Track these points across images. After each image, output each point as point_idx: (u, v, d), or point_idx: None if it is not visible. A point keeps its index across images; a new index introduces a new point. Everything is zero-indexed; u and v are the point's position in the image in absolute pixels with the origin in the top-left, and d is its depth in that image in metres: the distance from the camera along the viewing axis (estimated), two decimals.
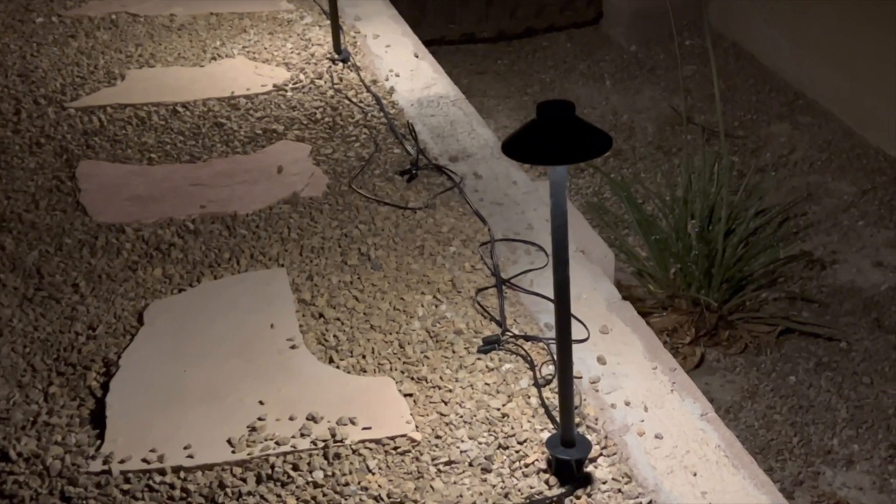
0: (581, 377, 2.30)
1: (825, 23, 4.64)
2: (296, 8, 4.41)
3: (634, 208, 3.60)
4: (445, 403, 2.21)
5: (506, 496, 1.99)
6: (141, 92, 3.62)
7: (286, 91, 3.64)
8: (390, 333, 2.45)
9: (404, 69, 3.89)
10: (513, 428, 2.14)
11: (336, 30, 3.88)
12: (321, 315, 2.51)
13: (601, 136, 1.79)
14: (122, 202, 2.99)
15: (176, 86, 3.66)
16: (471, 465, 2.06)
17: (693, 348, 3.29)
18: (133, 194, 3.03)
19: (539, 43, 5.77)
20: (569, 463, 2.00)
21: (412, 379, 2.29)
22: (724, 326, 3.36)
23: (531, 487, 2.00)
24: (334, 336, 2.44)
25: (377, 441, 2.11)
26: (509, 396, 2.23)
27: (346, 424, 2.15)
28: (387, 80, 3.80)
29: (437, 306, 2.54)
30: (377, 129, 3.40)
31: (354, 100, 3.59)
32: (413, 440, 2.11)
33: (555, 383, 2.24)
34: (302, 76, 3.74)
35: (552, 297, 1.92)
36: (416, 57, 4.01)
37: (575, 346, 2.42)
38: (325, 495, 1.99)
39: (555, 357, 2.23)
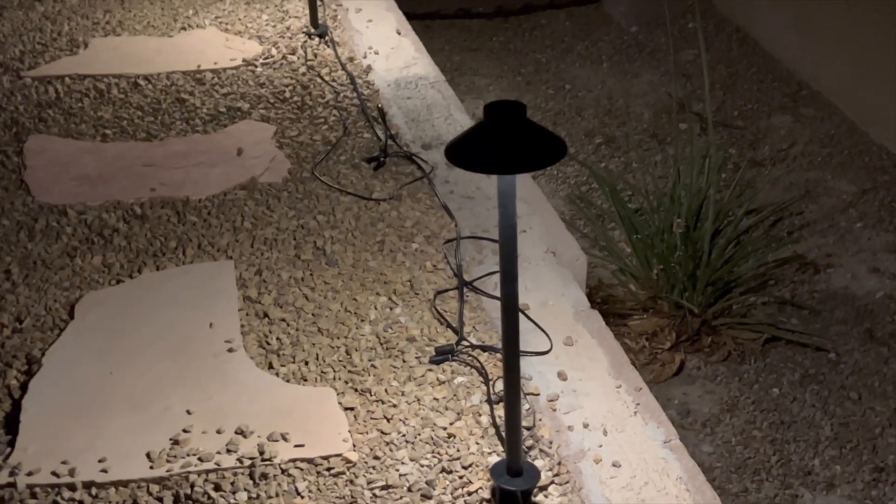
0: (539, 394, 2.12)
1: (832, 11, 4.43)
2: None
3: (619, 204, 3.42)
4: (388, 420, 2.04)
5: None
6: (103, 62, 3.43)
7: (256, 66, 3.45)
8: (338, 338, 2.27)
9: (384, 47, 3.69)
10: (458, 450, 1.97)
11: (314, 2, 3.68)
12: (266, 315, 2.34)
13: (554, 143, 1.60)
14: (69, 182, 2.81)
15: (140, 57, 3.48)
16: (409, 490, 1.89)
17: (672, 354, 3.11)
18: (81, 174, 2.85)
19: (537, 20, 5.55)
20: (514, 494, 1.83)
21: (355, 391, 2.11)
22: (707, 332, 3.18)
23: None
24: (277, 339, 2.26)
25: (309, 461, 1.94)
26: (458, 414, 2.06)
27: (277, 440, 1.98)
28: (365, 57, 3.60)
29: (391, 309, 2.36)
30: (348, 112, 3.21)
31: (327, 78, 3.40)
32: (348, 461, 1.94)
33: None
34: (274, 51, 3.55)
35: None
36: (399, 34, 3.81)
37: (535, 359, 2.26)
38: None
39: None
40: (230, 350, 2.22)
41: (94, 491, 1.88)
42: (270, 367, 2.18)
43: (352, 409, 2.07)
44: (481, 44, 5.33)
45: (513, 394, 1.76)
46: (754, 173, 4.02)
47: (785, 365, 3.14)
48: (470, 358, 2.21)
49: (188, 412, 2.04)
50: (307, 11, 3.83)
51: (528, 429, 2.00)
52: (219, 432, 1.99)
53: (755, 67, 4.81)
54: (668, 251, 3.19)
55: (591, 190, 4.07)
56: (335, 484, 1.90)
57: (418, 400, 2.09)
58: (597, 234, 3.68)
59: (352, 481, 1.90)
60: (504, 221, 1.66)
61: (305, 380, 2.15)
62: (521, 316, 2.37)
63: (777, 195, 3.88)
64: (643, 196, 3.82)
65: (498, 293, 2.44)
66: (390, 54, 3.65)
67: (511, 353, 1.74)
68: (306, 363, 2.19)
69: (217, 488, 1.88)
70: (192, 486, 1.88)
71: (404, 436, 2.00)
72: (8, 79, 3.31)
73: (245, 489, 1.88)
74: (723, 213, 3.29)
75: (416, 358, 2.21)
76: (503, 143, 1.58)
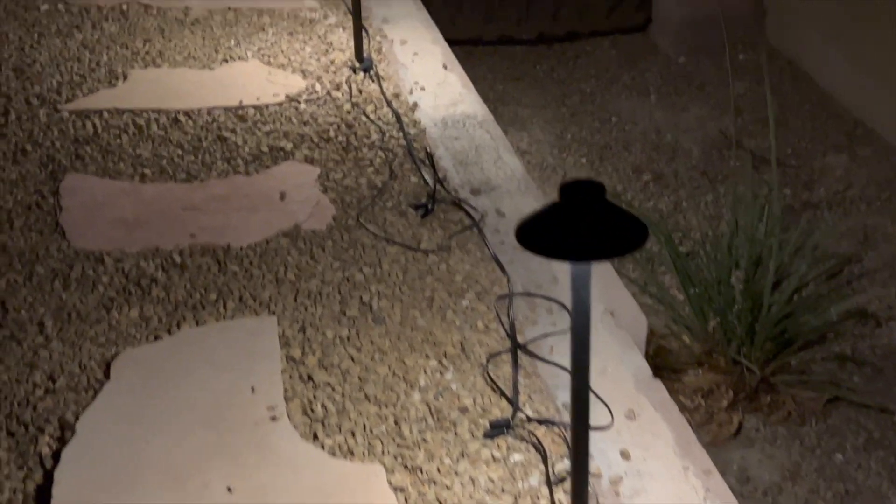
0: (601, 475, 1.99)
1: (888, 46, 4.27)
2: (320, 6, 4.10)
3: (672, 250, 3.28)
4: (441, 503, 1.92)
5: None
6: (142, 95, 3.33)
7: (300, 103, 3.34)
8: (386, 406, 2.15)
9: (431, 82, 3.57)
10: None
11: (359, 35, 3.57)
12: (310, 378, 2.22)
13: (636, 227, 1.47)
14: (106, 225, 2.71)
15: (181, 90, 3.38)
16: None
17: (730, 414, 2.97)
18: (119, 216, 2.75)
19: (582, 48, 5.42)
20: None
21: (406, 468, 1.99)
22: (766, 390, 3.04)
23: None
24: (322, 406, 2.14)
25: None
26: (515, 497, 1.93)
27: None
28: (411, 93, 3.49)
29: (441, 374, 2.24)
30: (394, 153, 3.10)
31: (373, 116, 3.29)
32: None
33: (569, 485, 1.94)
34: (318, 86, 3.44)
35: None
36: (445, 68, 3.70)
37: (596, 435, 2.13)
38: None
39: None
40: (273, 418, 2.10)
41: None
42: (315, 437, 2.06)
43: (402, 489, 1.94)
44: (524, 72, 5.21)
45: (581, 489, 1.63)
46: (810, 216, 3.87)
47: (848, 427, 3.00)
48: (526, 432, 2.08)
49: (229, 489, 1.93)
50: (352, 44, 3.73)
51: None
52: None
53: (808, 103, 4.66)
54: (725, 304, 3.05)
55: None
56: None
57: (473, 481, 1.96)
58: (647, 279, 3.55)
59: None
60: (578, 308, 1.54)
61: (352, 453, 2.03)
62: None
63: (834, 241, 3.73)
64: (696, 240, 3.69)
65: (554, 358, 2.32)
66: (437, 90, 3.53)
67: (580, 451, 1.61)
68: (353, 434, 2.07)
69: None
70: None
71: None
72: (45, 112, 3.21)
73: None
74: (784, 263, 3.15)
75: (470, 431, 2.09)
76: (580, 227, 1.45)
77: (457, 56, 4.06)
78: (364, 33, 3.63)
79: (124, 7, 3.97)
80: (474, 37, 5.40)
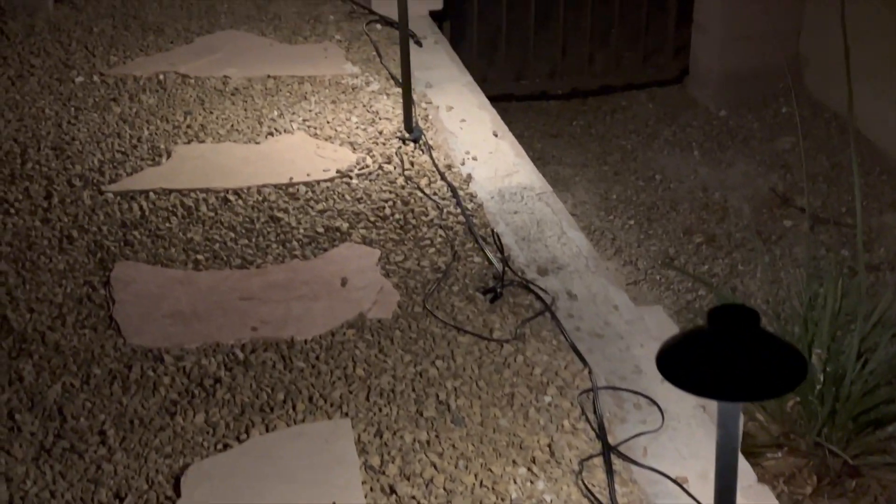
0: None
1: None
2: (361, 71, 4.00)
3: None
4: None
5: None
6: (189, 174, 3.22)
7: (351, 178, 3.22)
8: None
9: (482, 151, 3.46)
10: None
11: (409, 106, 3.46)
12: (393, 490, 2.08)
13: (793, 359, 1.34)
14: (162, 319, 2.58)
15: (228, 167, 3.26)
16: None
17: (815, 502, 2.82)
18: (175, 309, 2.62)
19: (617, 102, 5.32)
20: None
21: None
22: (850, 473, 2.89)
23: None
24: None
25: None
26: None
27: None
28: (463, 164, 3.37)
29: (532, 483, 2.10)
30: (454, 231, 2.98)
31: (428, 190, 3.17)
32: None
33: None
34: (369, 159, 3.32)
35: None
36: (496, 136, 3.58)
37: None
38: None
39: None
40: None
41: None
42: None
43: None
44: (561, 128, 5.10)
45: None
46: (873, 279, 3.74)
47: None
48: None
49: None
50: (398, 112, 3.62)
51: None
52: None
53: (859, 158, 4.53)
54: (805, 383, 2.90)
55: (698, 298, 3.80)
56: None
57: None
58: None
59: None
60: (724, 447, 1.40)
61: None
62: (679, 491, 2.10)
63: None
64: (759, 309, 3.55)
65: (650, 461, 2.18)
66: (489, 160, 3.41)
67: None
68: None
69: None
70: None
71: None
72: (89, 194, 3.10)
73: None
74: (865, 337, 3.01)
75: None
76: (733, 360, 1.32)
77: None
78: (412, 104, 3.52)
79: (161, 77, 3.87)
80: (507, 93, 5.28)
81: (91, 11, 4.47)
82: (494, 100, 5.22)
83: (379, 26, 4.47)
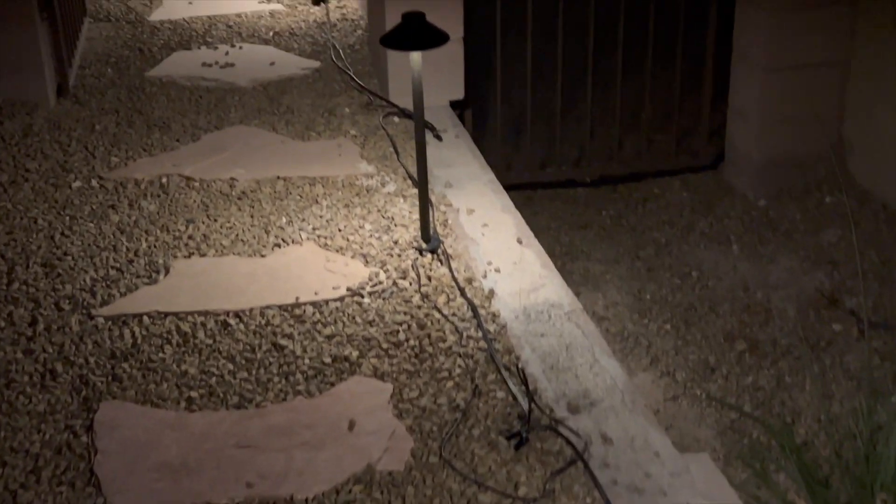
0: None
1: None
2: (376, 171, 3.76)
3: (800, 468, 2.83)
4: None
5: None
6: (187, 294, 2.97)
7: (363, 297, 2.96)
8: None
9: (505, 261, 3.19)
10: None
11: (426, 214, 3.21)
12: None
13: None
14: (148, 473, 2.31)
15: (230, 286, 3.01)
16: None
17: None
18: (163, 460, 2.35)
19: (649, 189, 5.05)
20: None
21: None
22: None
23: None
24: None
25: None
26: None
27: None
28: (485, 277, 3.10)
29: None
30: (475, 360, 2.70)
31: (446, 310, 2.90)
32: None
33: None
34: (382, 275, 3.06)
35: None
36: (520, 243, 3.32)
37: None
38: None
39: None
40: None
41: None
42: None
43: None
44: (590, 219, 4.83)
45: None
46: None
47: None
48: None
49: None
50: (414, 217, 3.37)
51: None
52: None
53: None
54: None
55: (743, 417, 3.49)
56: None
57: None
58: (759, 479, 3.09)
59: None
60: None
61: None
62: None
63: None
64: (810, 429, 3.25)
65: None
66: (513, 271, 3.15)
67: None
68: None
69: None
70: None
71: None
72: (78, 319, 2.85)
73: None
74: None
75: None
76: None
77: (515, 202, 3.74)
78: (429, 211, 3.26)
79: (164, 181, 3.64)
80: (532, 181, 5.04)
81: (95, 106, 4.27)
82: (519, 188, 5.02)
83: (396, 119, 4.24)
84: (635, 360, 3.79)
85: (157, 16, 5.48)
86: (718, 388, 3.63)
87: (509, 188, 4.01)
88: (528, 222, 3.63)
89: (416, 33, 2.91)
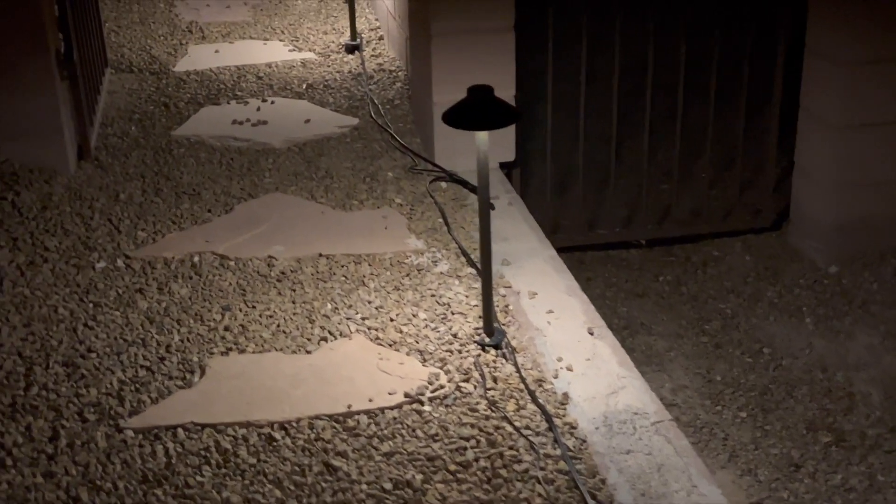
0: None
1: None
2: (426, 246, 3.44)
3: None
4: None
5: None
6: (225, 400, 2.64)
7: (422, 404, 2.63)
8: None
9: (577, 357, 2.87)
10: None
11: (489, 305, 2.88)
12: None
13: None
14: None
15: (273, 390, 2.68)
16: None
17: None
18: None
19: (708, 252, 4.72)
20: None
21: None
22: None
23: None
24: None
25: None
26: None
27: None
28: (556, 377, 2.77)
29: None
30: (556, 486, 2.36)
31: (517, 421, 2.57)
32: None
33: None
34: (443, 376, 2.74)
35: None
36: (591, 334, 2.99)
37: None
38: None
39: None
40: None
41: None
42: None
43: None
44: (646, 286, 4.50)
45: None
46: None
47: None
48: None
49: None
50: (472, 302, 3.06)
51: None
52: None
53: None
54: None
55: None
56: None
57: None
58: None
59: None
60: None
61: None
62: None
63: None
64: None
65: None
66: (587, 370, 2.82)
67: None
68: None
69: None
70: None
71: None
72: (104, 432, 2.53)
73: None
74: None
75: None
76: None
77: (566, 264, 3.43)
78: (492, 299, 2.94)
79: (196, 259, 3.33)
80: (580, 243, 4.71)
81: (119, 171, 3.97)
82: (568, 251, 4.69)
83: (444, 184, 3.93)
84: (712, 454, 3.45)
85: (182, 66, 5.18)
86: (806, 489, 3.29)
87: (558, 250, 3.72)
88: (580, 287, 3.34)
89: (484, 110, 2.59)
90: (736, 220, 4.80)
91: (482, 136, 2.63)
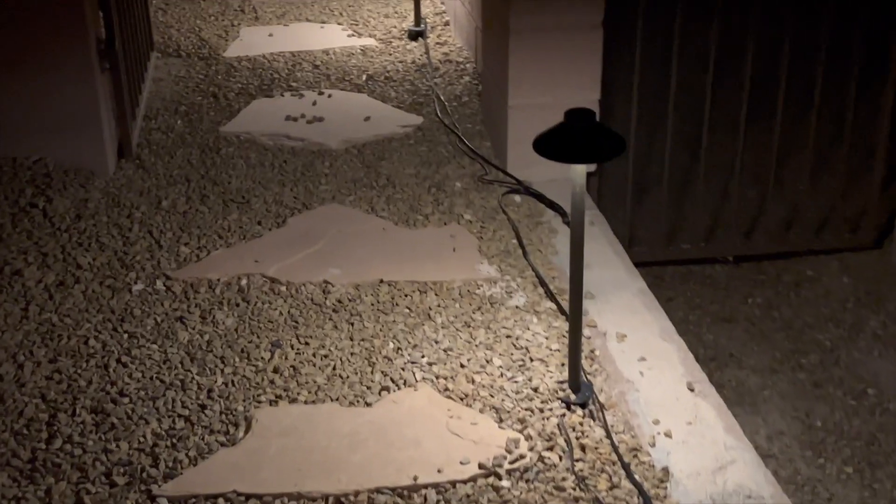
0: None
1: None
2: (499, 273, 3.06)
3: None
4: None
5: None
6: (274, 464, 2.29)
7: (500, 478, 2.26)
8: None
9: (677, 419, 2.49)
10: None
11: (576, 359, 2.51)
12: None
13: None
14: None
15: (327, 453, 2.33)
16: None
17: None
18: None
19: (801, 271, 4.30)
20: None
21: None
22: None
23: None
24: None
25: None
26: None
27: None
28: (653, 444, 2.40)
29: None
30: None
31: (610, 501, 2.20)
32: None
33: None
34: (523, 443, 2.37)
35: None
36: (692, 391, 2.61)
37: None
38: None
39: None
40: None
41: None
42: None
43: None
44: (734, 309, 4.09)
45: None
46: None
47: None
48: None
49: None
50: (553, 346, 2.69)
51: None
52: None
53: None
54: None
55: None
56: None
57: None
58: None
59: None
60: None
61: None
62: None
63: None
64: None
65: None
66: (689, 437, 2.44)
67: None
68: None
69: None
70: None
71: None
72: (134, 500, 2.19)
73: None
74: None
75: None
76: None
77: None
78: (580, 347, 2.56)
79: (243, 283, 2.98)
80: (658, 259, 4.31)
81: (161, 172, 3.63)
82: (647, 265, 4.29)
83: (518, 198, 3.54)
84: None
85: (233, 50, 4.82)
86: None
87: (636, 264, 3.36)
88: (661, 307, 2.99)
89: (585, 139, 2.20)
90: (828, 240, 4.35)
91: (580, 170, 2.24)
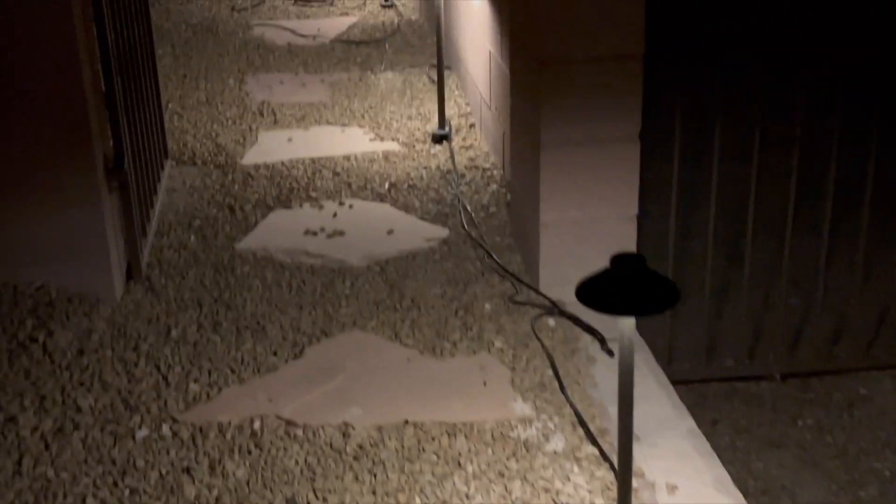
0: None
1: None
2: (534, 412, 2.81)
3: None
4: None
5: None
6: None
7: None
8: None
9: None
10: None
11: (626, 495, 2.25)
12: None
13: None
14: None
15: None
16: None
17: None
18: None
19: (853, 389, 4.02)
20: None
21: None
22: None
23: None
24: None
25: None
26: None
27: None
28: None
29: None
30: None
31: None
32: None
33: None
34: None
35: None
36: None
37: None
38: None
39: None
40: None
41: None
42: None
43: None
44: (783, 433, 3.80)
45: None
46: None
47: None
48: None
49: None
50: (598, 499, 2.42)
51: None
52: None
53: None
54: None
55: None
56: None
57: None
58: None
59: None
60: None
61: None
62: None
63: None
64: None
65: None
66: None
67: None
68: None
69: None
70: None
71: None
72: None
73: None
74: None
75: None
76: None
77: (685, 401, 2.89)
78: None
79: (256, 426, 2.74)
80: (698, 377, 4.04)
81: (172, 296, 3.41)
82: (686, 383, 4.03)
83: (551, 321, 3.31)
84: None
85: (251, 157, 4.64)
86: None
87: (675, 383, 3.14)
88: (706, 434, 2.78)
89: (633, 287, 1.97)
90: (882, 355, 4.08)
91: (628, 324, 2.01)
